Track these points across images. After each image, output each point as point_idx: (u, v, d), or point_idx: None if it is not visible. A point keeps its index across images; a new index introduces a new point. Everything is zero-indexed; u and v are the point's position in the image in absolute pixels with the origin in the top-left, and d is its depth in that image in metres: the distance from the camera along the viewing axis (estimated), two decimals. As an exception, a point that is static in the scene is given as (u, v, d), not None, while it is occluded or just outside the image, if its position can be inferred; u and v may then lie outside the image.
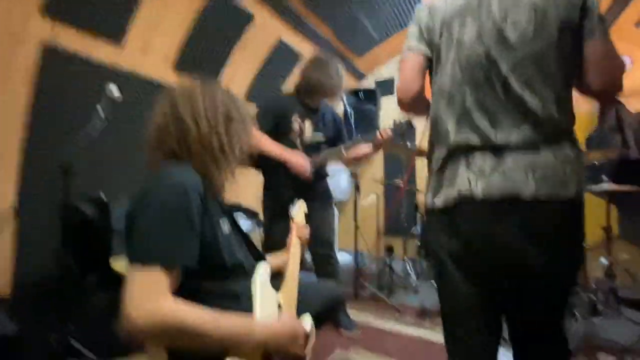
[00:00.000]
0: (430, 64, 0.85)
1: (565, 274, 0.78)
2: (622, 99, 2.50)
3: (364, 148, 1.80)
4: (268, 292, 0.87)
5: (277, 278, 1.00)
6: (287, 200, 1.49)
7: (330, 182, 3.40)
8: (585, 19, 0.72)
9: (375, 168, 3.79)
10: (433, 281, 2.08)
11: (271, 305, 0.86)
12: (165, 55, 2.11)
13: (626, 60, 2.85)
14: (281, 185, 1.74)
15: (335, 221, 2.04)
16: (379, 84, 3.85)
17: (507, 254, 0.73)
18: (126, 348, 1.61)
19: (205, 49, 2.26)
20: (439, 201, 0.80)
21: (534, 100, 0.72)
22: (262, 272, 0.85)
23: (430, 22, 0.83)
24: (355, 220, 2.52)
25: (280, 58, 2.78)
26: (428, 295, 2.32)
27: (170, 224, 0.67)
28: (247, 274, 0.84)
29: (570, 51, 0.73)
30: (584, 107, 2.91)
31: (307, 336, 0.85)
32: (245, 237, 0.96)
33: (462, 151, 0.77)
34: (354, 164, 2.06)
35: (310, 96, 1.77)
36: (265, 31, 2.55)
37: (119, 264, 1.78)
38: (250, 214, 2.76)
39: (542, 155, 0.71)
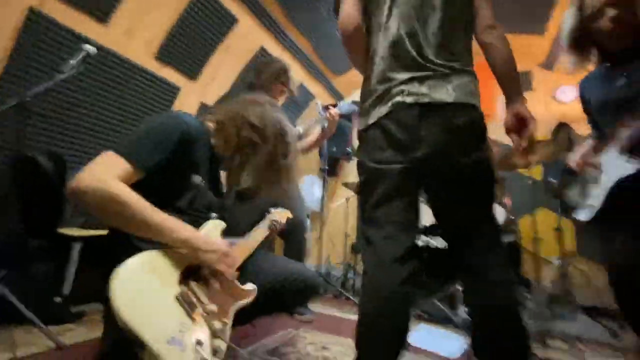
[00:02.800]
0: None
1: (486, 163, 0.88)
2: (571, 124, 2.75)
3: (313, 135, 1.99)
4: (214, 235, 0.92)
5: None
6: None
7: (305, 192, 3.46)
8: None
9: (347, 173, 3.90)
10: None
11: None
12: (147, 42, 2.22)
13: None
14: None
15: (305, 208, 2.09)
16: (356, 103, 4.09)
17: (434, 145, 0.84)
18: (62, 319, 1.52)
19: (187, 43, 2.39)
20: (370, 119, 0.89)
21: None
22: (215, 223, 0.94)
23: None
24: (321, 231, 2.55)
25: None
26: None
27: (151, 137, 0.81)
28: (197, 218, 0.91)
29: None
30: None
31: (230, 256, 0.88)
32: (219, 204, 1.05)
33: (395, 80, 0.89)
34: (308, 151, 2.15)
35: (267, 92, 1.90)
36: (248, 36, 2.74)
37: (69, 230, 1.71)
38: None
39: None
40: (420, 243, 2.00)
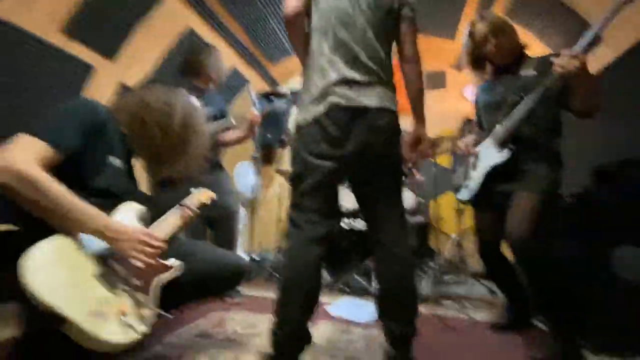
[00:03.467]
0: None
1: (397, 157, 1.11)
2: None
3: (236, 132, 2.02)
4: (130, 219, 0.96)
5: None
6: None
7: (238, 179, 3.45)
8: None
9: (281, 161, 3.98)
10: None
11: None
12: (51, 13, 1.98)
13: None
14: None
15: (233, 196, 2.11)
16: (292, 93, 4.14)
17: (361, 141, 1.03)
18: None
19: (102, 18, 2.18)
20: (309, 115, 1.05)
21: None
22: (129, 205, 0.99)
23: None
24: (253, 218, 2.61)
25: (189, 46, 2.81)
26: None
27: (69, 120, 0.85)
28: (115, 202, 0.95)
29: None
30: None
31: (148, 244, 0.91)
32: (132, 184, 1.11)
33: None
34: (227, 145, 2.16)
35: (196, 77, 1.97)
36: (174, 17, 2.58)
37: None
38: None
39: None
40: (344, 225, 2.20)
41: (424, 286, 2.06)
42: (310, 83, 1.08)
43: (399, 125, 1.11)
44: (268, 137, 3.91)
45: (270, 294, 2.15)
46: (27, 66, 1.93)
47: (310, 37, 1.13)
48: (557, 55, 1.17)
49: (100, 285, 0.78)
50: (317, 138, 1.03)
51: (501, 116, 1.41)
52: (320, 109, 1.03)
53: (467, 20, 3.02)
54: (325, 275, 2.30)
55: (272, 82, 4.10)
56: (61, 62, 2.08)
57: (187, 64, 1.98)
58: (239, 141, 2.06)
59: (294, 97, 4.18)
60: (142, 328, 0.82)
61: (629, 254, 1.26)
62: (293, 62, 3.88)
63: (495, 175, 1.44)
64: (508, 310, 1.56)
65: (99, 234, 0.81)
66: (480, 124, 1.65)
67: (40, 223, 0.79)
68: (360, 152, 1.03)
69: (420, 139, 1.13)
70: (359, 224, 2.24)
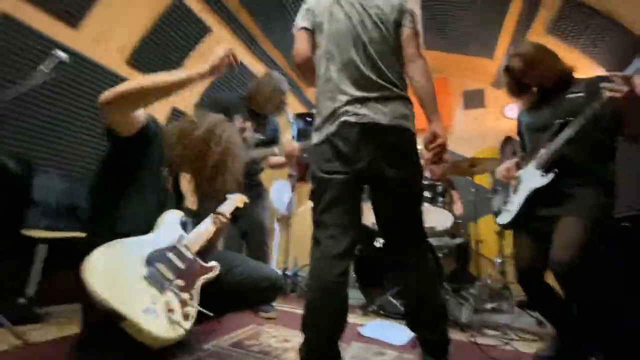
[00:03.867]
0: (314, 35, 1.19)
1: (412, 177, 1.08)
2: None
3: (280, 158, 2.11)
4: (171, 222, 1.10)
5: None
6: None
7: (274, 196, 3.57)
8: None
9: None
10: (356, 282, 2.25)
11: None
12: (120, 47, 2.26)
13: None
14: None
15: (268, 212, 2.19)
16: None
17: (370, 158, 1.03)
18: (26, 319, 1.52)
19: (160, 50, 2.45)
20: (321, 135, 1.07)
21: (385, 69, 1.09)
22: (174, 213, 1.14)
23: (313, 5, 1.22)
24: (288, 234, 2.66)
25: (235, 74, 3.05)
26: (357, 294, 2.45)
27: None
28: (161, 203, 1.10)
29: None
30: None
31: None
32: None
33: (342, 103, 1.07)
34: (276, 168, 2.29)
35: (256, 103, 2.07)
36: (221, 44, 2.83)
37: (33, 232, 1.72)
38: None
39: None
40: (377, 243, 2.18)
41: (464, 314, 1.95)
42: (322, 107, 1.11)
43: (414, 143, 1.09)
44: (304, 155, 4.06)
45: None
46: (93, 92, 2.21)
47: (317, 63, 1.17)
48: (606, 77, 1.13)
49: (150, 285, 0.87)
50: (328, 156, 1.06)
51: (546, 139, 1.36)
52: (331, 128, 1.06)
53: (505, 39, 2.97)
54: (359, 296, 2.26)
55: (308, 103, 4.26)
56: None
57: (256, 97, 2.09)
58: (282, 166, 2.21)
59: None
60: (188, 324, 0.90)
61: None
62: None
63: (537, 199, 1.37)
64: (556, 342, 1.43)
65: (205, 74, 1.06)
66: (523, 147, 1.59)
67: (101, 231, 0.90)
68: (372, 169, 1.03)
69: (435, 137, 1.03)
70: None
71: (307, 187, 4.01)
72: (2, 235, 1.67)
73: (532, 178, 1.40)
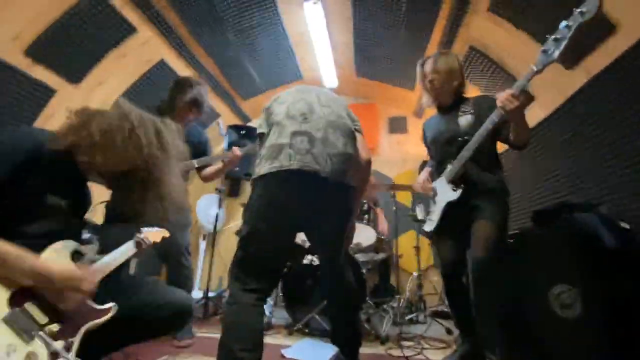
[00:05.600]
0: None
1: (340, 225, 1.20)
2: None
3: (216, 165, 2.02)
4: (61, 257, 0.86)
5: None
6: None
7: (201, 212, 3.34)
8: None
9: (245, 196, 3.93)
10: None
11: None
12: (15, 35, 1.94)
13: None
14: None
15: (185, 231, 2.02)
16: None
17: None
18: None
19: (71, 43, 2.17)
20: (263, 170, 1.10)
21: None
22: (63, 243, 0.86)
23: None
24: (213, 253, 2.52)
25: (160, 78, 2.83)
26: (281, 314, 2.40)
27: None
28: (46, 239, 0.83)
29: None
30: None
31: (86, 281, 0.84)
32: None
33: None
34: (208, 180, 2.15)
35: (171, 113, 1.87)
36: (147, 47, 2.63)
37: None
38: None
39: None
40: (306, 261, 2.18)
41: (385, 326, 2.05)
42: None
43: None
44: (236, 169, 3.92)
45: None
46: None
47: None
48: (487, 96, 1.35)
49: (10, 331, 0.69)
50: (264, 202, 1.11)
51: (452, 154, 1.55)
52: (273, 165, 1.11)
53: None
54: (285, 315, 2.22)
55: (243, 116, 4.18)
56: (22, 85, 2.01)
57: (172, 100, 1.92)
58: (217, 175, 2.06)
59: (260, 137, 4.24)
60: None
61: (563, 291, 1.37)
62: (265, 98, 4.02)
63: (453, 209, 1.55)
64: (460, 347, 1.59)
65: (35, 277, 0.73)
66: (431, 155, 1.80)
67: None
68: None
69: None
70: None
71: (235, 203, 3.87)
72: None
73: (445, 191, 1.58)
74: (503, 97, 1.29)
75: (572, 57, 1.81)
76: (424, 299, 2.58)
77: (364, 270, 2.21)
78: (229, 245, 3.48)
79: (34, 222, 0.79)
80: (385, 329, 2.02)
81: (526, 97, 1.35)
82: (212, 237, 2.62)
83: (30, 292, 0.76)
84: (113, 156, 0.89)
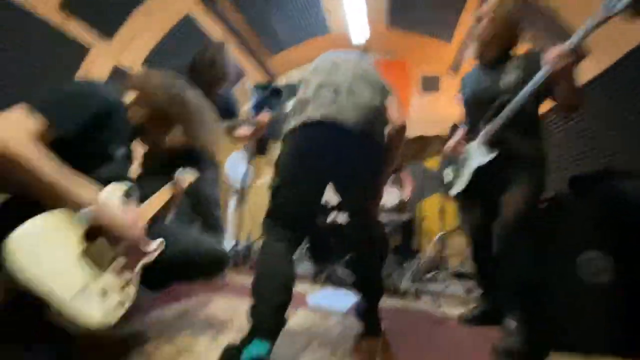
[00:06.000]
0: None
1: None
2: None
3: (245, 129, 2.04)
4: (115, 195, 0.94)
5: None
6: (161, 163, 1.60)
7: (229, 170, 3.46)
8: None
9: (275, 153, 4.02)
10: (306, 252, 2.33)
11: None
12: (49, -10, 1.96)
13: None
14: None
15: (216, 185, 2.12)
16: (289, 86, 4.17)
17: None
18: None
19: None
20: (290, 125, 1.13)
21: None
22: (115, 186, 0.95)
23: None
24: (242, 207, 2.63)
25: (185, 33, 2.80)
26: (305, 266, 2.54)
27: (69, 99, 0.84)
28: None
29: None
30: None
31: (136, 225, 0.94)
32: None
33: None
34: (237, 142, 2.21)
35: (200, 76, 1.82)
36: (173, 2, 2.59)
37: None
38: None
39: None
40: (329, 219, 2.26)
41: (404, 283, 2.13)
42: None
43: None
44: (260, 134, 3.96)
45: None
46: (23, 43, 1.92)
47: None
48: (537, 53, 1.23)
49: (86, 264, 0.78)
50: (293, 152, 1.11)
51: (489, 115, 1.44)
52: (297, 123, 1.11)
53: (465, 23, 3.08)
54: (310, 268, 2.35)
55: (270, 73, 4.11)
56: (57, 41, 2.08)
57: (196, 63, 1.86)
58: (246, 140, 2.13)
59: (289, 90, 4.20)
60: (125, 305, 0.83)
61: (594, 257, 1.34)
62: (291, 54, 3.90)
63: (484, 173, 1.48)
64: (479, 306, 1.64)
65: (88, 212, 0.81)
66: (468, 115, 1.64)
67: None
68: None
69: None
70: (343, 218, 2.29)
71: (264, 160, 3.95)
72: None
73: (477, 155, 1.51)
74: (552, 54, 1.16)
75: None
76: (446, 259, 2.61)
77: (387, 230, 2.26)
78: (257, 201, 3.63)
79: (100, 167, 0.89)
80: (405, 285, 2.10)
81: (578, 55, 1.19)
82: (241, 193, 2.73)
83: (99, 230, 0.84)
84: (159, 111, 1.04)
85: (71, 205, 0.78)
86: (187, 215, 2.10)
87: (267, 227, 1.11)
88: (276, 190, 1.11)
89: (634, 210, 1.35)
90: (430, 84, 3.90)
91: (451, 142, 1.69)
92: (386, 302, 1.83)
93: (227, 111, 2.04)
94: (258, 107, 3.19)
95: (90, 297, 0.75)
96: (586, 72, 2.02)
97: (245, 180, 3.29)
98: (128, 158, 1.08)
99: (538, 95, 1.35)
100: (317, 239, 2.29)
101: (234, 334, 1.22)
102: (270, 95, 3.69)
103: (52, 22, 2.00)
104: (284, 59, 3.96)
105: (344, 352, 1.18)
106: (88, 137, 0.87)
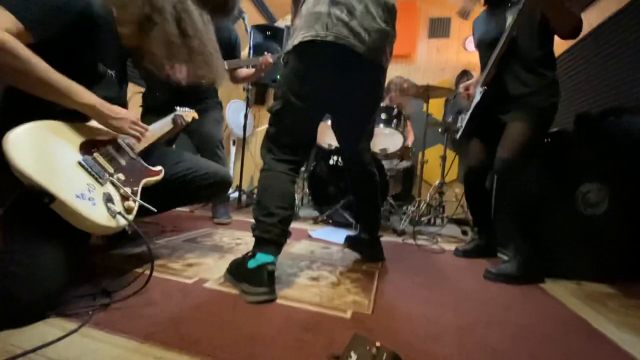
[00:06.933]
0: None
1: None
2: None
3: (249, 70, 1.99)
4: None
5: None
6: (163, 101, 1.71)
7: (230, 117, 3.40)
8: None
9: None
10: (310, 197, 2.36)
11: None
12: None
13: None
14: (159, 86, 1.80)
15: (219, 124, 2.10)
16: (289, 28, 3.95)
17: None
18: None
19: None
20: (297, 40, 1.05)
21: None
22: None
23: None
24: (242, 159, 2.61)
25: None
26: (307, 211, 2.60)
27: (50, 3, 0.75)
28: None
29: None
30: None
31: (137, 124, 0.95)
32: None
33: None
34: (240, 82, 2.14)
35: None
36: None
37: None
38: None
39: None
40: (331, 161, 2.26)
41: (402, 224, 2.19)
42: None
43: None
44: (261, 75, 3.82)
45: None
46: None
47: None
48: None
49: (86, 173, 0.78)
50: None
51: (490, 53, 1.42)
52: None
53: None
54: (312, 211, 2.40)
55: (268, 15, 3.88)
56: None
57: None
58: (248, 80, 2.07)
59: (289, 33, 4.00)
60: (129, 217, 0.83)
61: (593, 189, 1.36)
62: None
63: (482, 111, 1.48)
64: (474, 241, 1.70)
65: (92, 108, 0.81)
66: (480, 61, 1.61)
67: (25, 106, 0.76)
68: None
69: None
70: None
71: (262, 109, 3.88)
72: None
73: (477, 96, 1.51)
74: None
75: None
76: (444, 204, 2.67)
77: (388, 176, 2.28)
78: (257, 148, 3.63)
79: (91, 87, 0.83)
80: (403, 226, 2.16)
81: None
82: (242, 139, 2.72)
83: (96, 144, 0.85)
84: (153, 26, 0.94)
85: (72, 101, 0.77)
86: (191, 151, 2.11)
87: (268, 148, 1.11)
88: (279, 112, 1.09)
89: (636, 145, 1.35)
90: (440, 28, 3.70)
91: (464, 84, 1.67)
92: (384, 239, 1.91)
93: (231, 48, 1.96)
94: (256, 50, 3.06)
95: (93, 201, 0.75)
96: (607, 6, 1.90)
97: (245, 129, 3.25)
98: (122, 81, 1.02)
99: (542, 29, 1.31)
100: (318, 183, 2.32)
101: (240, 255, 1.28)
102: (270, 37, 3.53)
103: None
104: (284, 3, 3.72)
105: (345, 270, 1.24)
106: (72, 50, 0.81)
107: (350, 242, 1.48)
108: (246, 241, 1.53)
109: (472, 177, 1.63)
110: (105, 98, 0.86)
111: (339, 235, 1.81)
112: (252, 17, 3.63)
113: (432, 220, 2.61)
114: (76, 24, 0.80)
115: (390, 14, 1.12)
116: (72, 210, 0.69)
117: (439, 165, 2.83)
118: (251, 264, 0.95)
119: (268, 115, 1.13)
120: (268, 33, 3.56)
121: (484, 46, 1.52)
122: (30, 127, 0.71)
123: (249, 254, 1.00)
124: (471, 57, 3.55)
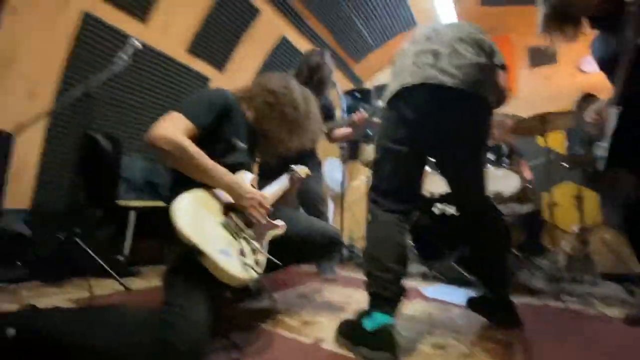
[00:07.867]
0: None
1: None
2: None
3: (343, 130, 2.12)
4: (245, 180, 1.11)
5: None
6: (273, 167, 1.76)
7: (327, 175, 3.62)
8: None
9: (366, 155, 4.02)
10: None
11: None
12: (181, 38, 2.46)
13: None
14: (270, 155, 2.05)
15: (321, 183, 2.24)
16: (376, 88, 4.18)
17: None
18: (124, 273, 1.74)
19: (215, 37, 2.61)
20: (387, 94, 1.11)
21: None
22: (243, 173, 1.13)
23: None
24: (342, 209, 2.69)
25: (282, 53, 3.13)
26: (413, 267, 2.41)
27: (205, 102, 1.05)
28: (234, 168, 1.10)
29: None
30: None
31: (262, 205, 1.06)
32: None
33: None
34: (336, 141, 2.29)
35: (307, 80, 1.98)
36: (270, 27, 2.91)
37: (125, 201, 1.98)
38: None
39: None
40: (436, 211, 2.10)
41: (535, 281, 1.81)
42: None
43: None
44: (358, 131, 4.05)
45: (363, 276, 2.17)
46: (167, 81, 2.45)
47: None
48: None
49: (225, 231, 0.92)
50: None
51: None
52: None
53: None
54: (419, 267, 2.22)
55: (356, 79, 4.20)
56: (188, 77, 2.58)
57: (303, 68, 2.04)
58: (345, 138, 2.22)
59: (377, 92, 4.21)
60: (259, 269, 0.94)
61: None
62: (375, 58, 3.93)
63: (624, 133, 1.20)
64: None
65: (229, 189, 0.99)
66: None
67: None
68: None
69: None
70: (451, 210, 2.11)
71: (355, 164, 3.99)
72: (101, 205, 1.95)
73: (612, 118, 1.24)
74: None
75: None
76: (591, 257, 2.12)
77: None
78: (355, 200, 3.68)
79: (228, 155, 1.07)
80: (539, 285, 1.78)
81: None
82: (341, 194, 2.81)
83: (232, 205, 1.01)
84: (270, 110, 1.18)
85: (217, 183, 0.97)
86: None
87: (373, 200, 1.09)
88: (379, 162, 1.10)
89: None
90: (543, 56, 3.36)
91: (591, 112, 1.42)
92: (518, 301, 1.59)
93: (327, 113, 2.17)
94: (349, 111, 3.28)
95: (230, 255, 0.87)
96: None
97: (343, 185, 3.39)
98: (250, 152, 1.22)
99: None
100: (422, 235, 2.16)
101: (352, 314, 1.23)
102: (360, 98, 3.78)
103: (184, 63, 2.48)
104: (370, 63, 4.02)
105: (472, 339, 1.05)
106: (216, 131, 1.06)
107: (474, 304, 1.28)
108: (356, 299, 1.48)
109: (633, 216, 1.28)
110: (237, 163, 1.08)
111: (457, 295, 1.59)
112: (341, 83, 4.00)
113: (580, 277, 2.08)
114: (219, 112, 1.06)
115: (482, 48, 1.07)
116: (216, 264, 0.80)
117: (573, 207, 2.34)
118: (369, 324, 0.89)
119: (361, 169, 1.16)
120: (357, 95, 3.84)
121: (608, 64, 1.29)
122: (188, 196, 0.89)
123: (363, 312, 0.95)
124: (591, 78, 3.05)
